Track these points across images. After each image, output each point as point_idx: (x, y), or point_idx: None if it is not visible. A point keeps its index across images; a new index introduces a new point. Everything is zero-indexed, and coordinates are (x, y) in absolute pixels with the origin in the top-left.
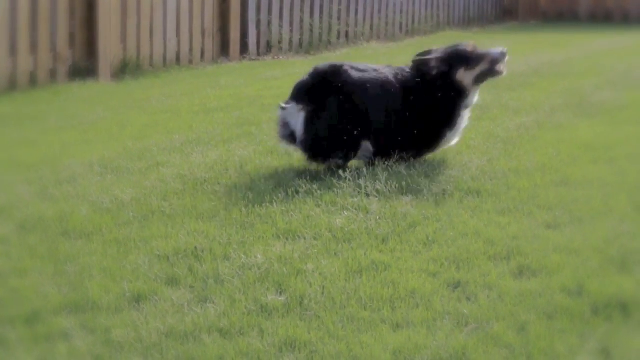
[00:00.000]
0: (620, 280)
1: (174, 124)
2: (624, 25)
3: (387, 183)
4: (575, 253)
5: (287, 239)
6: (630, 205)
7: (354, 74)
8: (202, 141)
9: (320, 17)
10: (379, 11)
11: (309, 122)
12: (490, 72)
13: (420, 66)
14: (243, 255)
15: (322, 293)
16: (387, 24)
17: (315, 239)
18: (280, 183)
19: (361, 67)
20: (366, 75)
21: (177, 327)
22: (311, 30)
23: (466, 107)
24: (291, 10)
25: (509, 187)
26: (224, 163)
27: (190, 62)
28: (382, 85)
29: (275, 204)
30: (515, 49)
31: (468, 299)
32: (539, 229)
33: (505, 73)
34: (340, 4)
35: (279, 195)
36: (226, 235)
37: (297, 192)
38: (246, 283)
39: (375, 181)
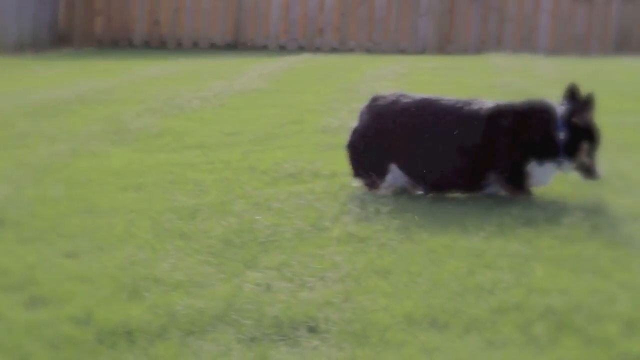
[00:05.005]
0: (129, 307)
1: None
2: (178, 52)
3: None
4: (89, 281)
5: None
6: (151, 232)
7: None
8: None
9: None
10: None
11: None
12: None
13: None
14: None
15: None
16: None
17: None
18: None
19: None
20: None
21: None
22: None
23: None
24: None
25: (34, 216)
26: None
27: None
28: None
29: None
30: (65, 75)
31: None
32: (58, 258)
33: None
34: None
35: None
36: None
37: None
38: None
39: None
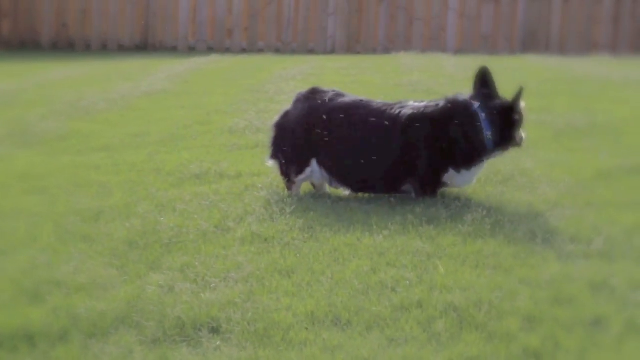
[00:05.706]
0: (30, 311)
1: None
2: (87, 54)
3: None
4: None
5: None
6: (54, 235)
7: None
8: None
9: None
10: None
11: None
12: None
13: None
14: None
15: None
16: None
17: None
18: None
19: None
20: None
21: None
22: None
23: None
24: None
25: None
26: None
27: None
28: None
29: None
30: None
31: None
32: None
33: None
34: None
35: None
36: None
37: None
38: None
39: None
